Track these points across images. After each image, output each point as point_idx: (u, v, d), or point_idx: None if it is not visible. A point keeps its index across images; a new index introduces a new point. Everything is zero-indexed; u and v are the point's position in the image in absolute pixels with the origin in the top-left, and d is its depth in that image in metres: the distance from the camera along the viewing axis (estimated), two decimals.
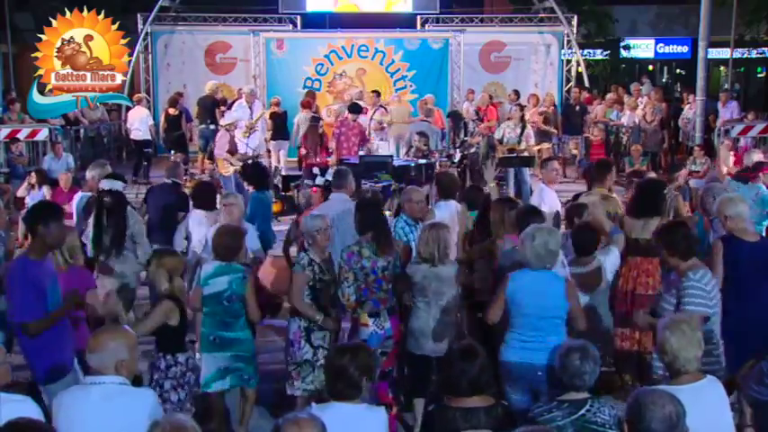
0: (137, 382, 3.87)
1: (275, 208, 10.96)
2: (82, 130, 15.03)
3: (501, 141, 11.56)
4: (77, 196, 7.67)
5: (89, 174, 7.47)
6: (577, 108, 15.24)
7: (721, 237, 5.36)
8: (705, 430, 3.27)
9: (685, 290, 4.47)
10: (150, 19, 16.80)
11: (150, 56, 17.28)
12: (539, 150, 12.20)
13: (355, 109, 12.05)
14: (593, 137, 14.26)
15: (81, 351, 4.75)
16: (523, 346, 4.46)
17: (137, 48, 16.50)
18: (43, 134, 13.04)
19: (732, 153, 11.99)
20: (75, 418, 3.31)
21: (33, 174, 10.42)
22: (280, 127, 13.80)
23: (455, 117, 13.34)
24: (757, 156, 8.91)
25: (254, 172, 8.53)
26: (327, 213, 5.67)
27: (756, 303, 5.09)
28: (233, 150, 11.14)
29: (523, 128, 11.54)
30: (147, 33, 17.02)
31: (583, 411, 3.47)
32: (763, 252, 5.23)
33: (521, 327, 4.50)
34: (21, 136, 12.91)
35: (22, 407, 3.17)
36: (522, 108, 12.37)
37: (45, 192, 9.93)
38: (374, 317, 5.17)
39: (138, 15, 16.90)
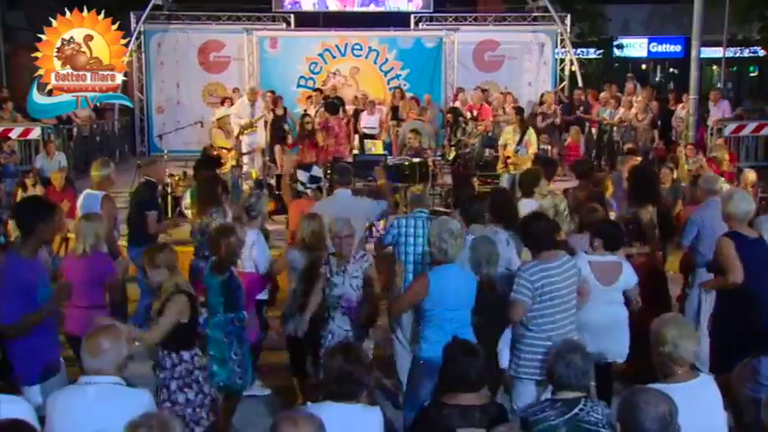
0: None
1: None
2: (75, 129, 14.94)
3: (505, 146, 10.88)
4: (84, 195, 7.06)
5: (99, 173, 6.93)
6: (580, 108, 15.23)
7: (725, 233, 5.24)
8: (698, 429, 3.25)
9: (516, 277, 4.60)
10: (143, 17, 16.74)
11: (143, 54, 17.23)
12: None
13: (331, 108, 12.01)
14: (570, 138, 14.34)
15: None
16: None
17: (130, 46, 16.34)
18: (35, 133, 12.97)
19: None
20: (69, 417, 3.29)
21: (31, 174, 10.24)
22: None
23: (455, 113, 13.27)
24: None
25: None
26: (336, 208, 5.96)
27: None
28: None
29: (523, 134, 10.72)
30: (140, 32, 16.96)
31: (576, 410, 3.45)
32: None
33: None
34: (13, 135, 12.84)
35: (17, 408, 3.16)
36: (519, 111, 11.77)
37: (38, 191, 9.86)
38: None
39: (132, 14, 16.83)
